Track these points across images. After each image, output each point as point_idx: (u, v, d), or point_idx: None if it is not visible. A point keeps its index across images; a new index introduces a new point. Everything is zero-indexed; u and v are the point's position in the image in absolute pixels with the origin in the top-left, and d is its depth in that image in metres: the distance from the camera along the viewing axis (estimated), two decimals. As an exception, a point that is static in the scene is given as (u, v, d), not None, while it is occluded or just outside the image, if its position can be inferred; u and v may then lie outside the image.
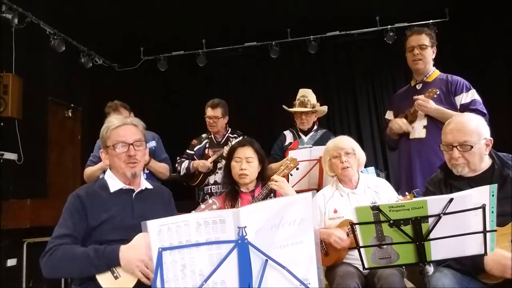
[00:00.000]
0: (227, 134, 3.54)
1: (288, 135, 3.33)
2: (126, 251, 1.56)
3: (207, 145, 3.53)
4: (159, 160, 3.19)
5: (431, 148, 2.57)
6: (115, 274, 1.57)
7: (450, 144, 1.80)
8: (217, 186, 3.43)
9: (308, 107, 3.22)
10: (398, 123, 2.78)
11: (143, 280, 1.53)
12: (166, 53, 5.92)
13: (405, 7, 5.25)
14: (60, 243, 1.60)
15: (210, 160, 3.38)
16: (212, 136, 3.54)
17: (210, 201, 1.99)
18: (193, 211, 1.89)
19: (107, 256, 1.57)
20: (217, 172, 3.44)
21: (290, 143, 3.26)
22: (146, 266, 1.51)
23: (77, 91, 5.53)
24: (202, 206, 1.97)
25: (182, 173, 3.49)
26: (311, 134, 3.27)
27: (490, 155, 1.84)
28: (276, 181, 2.24)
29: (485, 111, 2.59)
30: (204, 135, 3.60)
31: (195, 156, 3.52)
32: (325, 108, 3.37)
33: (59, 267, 1.59)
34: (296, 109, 3.25)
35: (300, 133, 3.29)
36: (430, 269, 1.79)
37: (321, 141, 3.08)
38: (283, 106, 3.38)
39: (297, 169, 2.68)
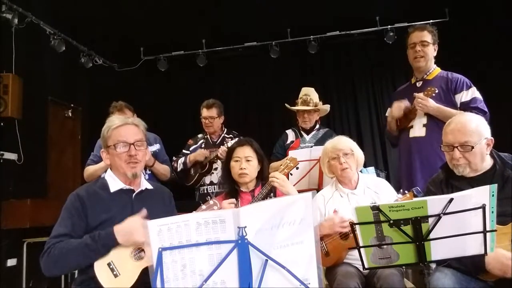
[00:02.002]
0: (223, 135, 3.56)
1: (290, 134, 3.34)
2: (120, 228, 1.60)
3: (203, 145, 3.55)
4: (161, 161, 3.20)
5: (431, 147, 2.57)
6: (114, 272, 1.58)
7: (451, 144, 1.80)
8: (212, 186, 3.45)
9: (311, 106, 3.23)
10: (394, 107, 2.77)
11: (144, 241, 1.51)
12: (166, 53, 5.91)
13: (405, 7, 5.25)
14: (58, 241, 1.61)
15: (205, 161, 3.41)
16: (208, 136, 3.56)
17: (211, 202, 1.99)
18: (194, 212, 1.89)
19: (104, 237, 1.60)
20: (212, 173, 3.45)
21: (292, 142, 3.27)
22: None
23: (77, 91, 5.53)
24: (203, 206, 1.97)
25: (179, 168, 3.51)
26: (313, 133, 3.28)
27: (492, 155, 1.83)
28: (278, 179, 2.24)
29: (485, 109, 2.58)
30: (200, 135, 3.62)
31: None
32: (327, 107, 3.38)
33: (59, 262, 1.60)
34: (299, 107, 3.26)
35: (302, 132, 3.30)
36: (433, 265, 1.79)
37: (323, 140, 3.07)
38: (286, 105, 3.38)
39: (297, 168, 2.68)
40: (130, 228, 1.58)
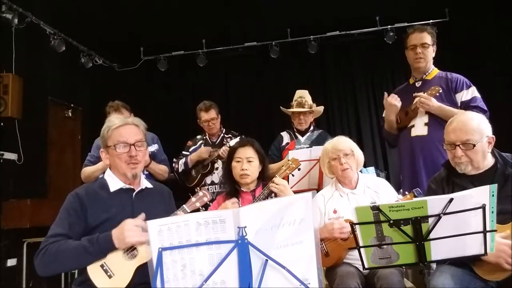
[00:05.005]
0: (222, 135, 3.57)
1: (285, 136, 3.37)
2: (116, 230, 1.59)
3: (202, 146, 3.54)
4: (159, 161, 3.19)
5: (434, 145, 2.58)
6: (108, 273, 1.58)
7: (453, 143, 1.81)
8: (214, 186, 3.45)
9: (306, 107, 3.27)
10: (389, 102, 2.76)
11: (142, 240, 1.56)
12: (166, 53, 5.91)
13: (405, 7, 5.25)
14: (54, 241, 1.61)
15: (207, 161, 3.40)
16: (207, 137, 3.57)
17: (200, 193, 1.96)
18: (184, 205, 1.89)
19: (101, 241, 1.59)
20: (214, 173, 3.45)
21: (287, 144, 3.30)
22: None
23: (77, 91, 5.53)
24: (193, 199, 1.95)
25: (180, 169, 3.50)
26: (307, 134, 3.31)
27: (493, 153, 1.85)
28: (277, 184, 2.23)
29: (485, 108, 2.59)
30: (199, 136, 3.63)
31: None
32: (321, 109, 3.43)
33: (55, 262, 1.59)
34: (295, 109, 3.29)
35: (296, 134, 3.33)
36: (433, 265, 1.79)
37: (317, 141, 3.12)
38: (281, 107, 3.41)
39: (299, 169, 2.68)
40: (122, 231, 1.57)
